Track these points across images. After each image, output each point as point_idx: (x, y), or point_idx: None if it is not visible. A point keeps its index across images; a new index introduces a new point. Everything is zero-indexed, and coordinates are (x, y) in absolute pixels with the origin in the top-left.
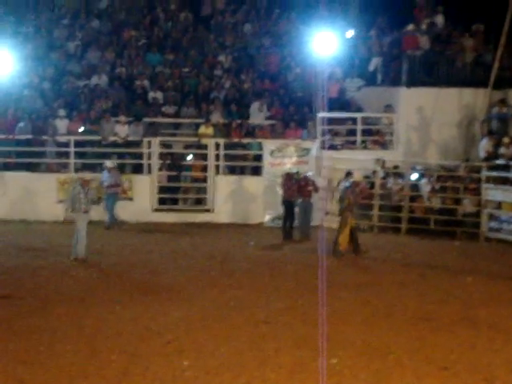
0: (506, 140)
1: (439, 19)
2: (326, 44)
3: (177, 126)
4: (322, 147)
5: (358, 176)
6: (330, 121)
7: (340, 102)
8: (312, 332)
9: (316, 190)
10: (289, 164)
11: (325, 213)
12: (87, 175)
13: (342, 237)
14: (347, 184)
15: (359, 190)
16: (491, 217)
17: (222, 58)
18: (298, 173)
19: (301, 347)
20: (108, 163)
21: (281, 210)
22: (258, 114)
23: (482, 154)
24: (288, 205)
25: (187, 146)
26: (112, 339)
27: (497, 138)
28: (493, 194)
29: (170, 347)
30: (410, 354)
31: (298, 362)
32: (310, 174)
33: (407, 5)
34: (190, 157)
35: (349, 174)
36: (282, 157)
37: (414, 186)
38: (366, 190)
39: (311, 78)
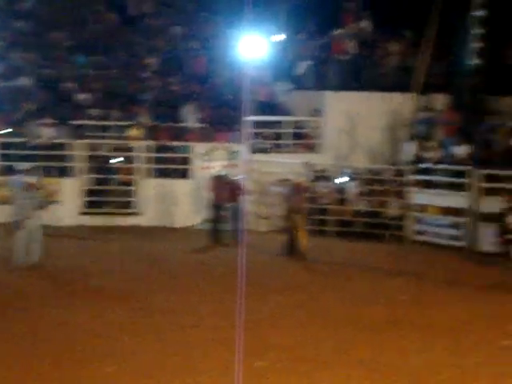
0: (430, 144)
1: (366, 24)
2: (254, 47)
3: (104, 128)
4: (251, 150)
5: (299, 179)
6: (259, 124)
7: (269, 106)
8: (240, 335)
9: (245, 193)
10: (218, 167)
11: (253, 216)
12: (32, 178)
13: (301, 239)
14: (288, 188)
15: (303, 192)
16: (416, 220)
17: (150, 60)
18: (226, 176)
19: (229, 351)
20: (23, 166)
21: (210, 213)
22: (189, 117)
23: (408, 157)
24: (217, 208)
25: (115, 149)
26: (40, 344)
27: (422, 142)
28: (418, 197)
29: (97, 351)
30: (339, 356)
31: (226, 366)
32: (239, 177)
33: (335, 9)
34: (117, 159)
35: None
36: (211, 160)
37: (342, 190)
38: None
39: (240, 81)
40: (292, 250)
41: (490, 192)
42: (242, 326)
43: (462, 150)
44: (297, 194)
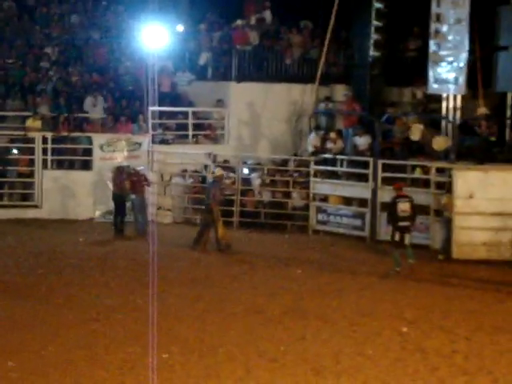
0: (332, 135)
1: (267, 15)
2: (155, 38)
3: (1, 118)
4: (154, 141)
5: (219, 171)
6: (161, 115)
7: (171, 96)
8: (143, 328)
9: (148, 184)
10: (120, 158)
11: (157, 208)
12: None
13: (221, 231)
14: (210, 180)
15: (224, 184)
16: (319, 210)
17: (48, 49)
18: (128, 167)
19: (132, 344)
20: None
21: (111, 205)
22: (90, 108)
23: (310, 148)
24: (119, 200)
25: (12, 140)
26: None
27: (324, 133)
28: (320, 187)
29: None
30: (241, 348)
31: (129, 359)
32: (141, 168)
33: (236, 0)
34: (15, 151)
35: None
36: (113, 151)
37: (245, 180)
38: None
39: (141, 71)
40: (200, 241)
41: (390, 182)
42: (146, 319)
43: (362, 141)
44: (216, 186)
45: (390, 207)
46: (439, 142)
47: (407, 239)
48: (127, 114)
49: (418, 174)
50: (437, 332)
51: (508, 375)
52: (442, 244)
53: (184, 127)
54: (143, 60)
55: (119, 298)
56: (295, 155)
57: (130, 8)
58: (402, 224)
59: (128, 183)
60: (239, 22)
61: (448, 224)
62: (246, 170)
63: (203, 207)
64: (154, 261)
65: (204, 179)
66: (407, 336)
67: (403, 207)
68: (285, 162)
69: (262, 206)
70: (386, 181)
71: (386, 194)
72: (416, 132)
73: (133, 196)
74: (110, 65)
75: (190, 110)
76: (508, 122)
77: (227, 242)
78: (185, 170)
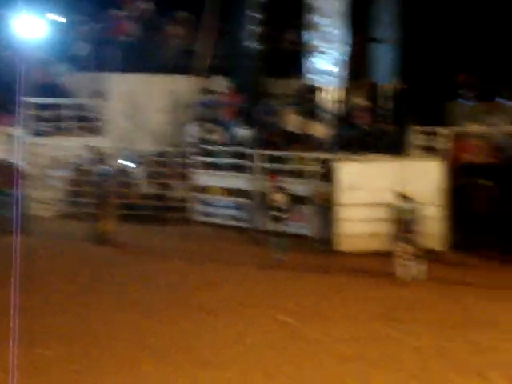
0: (214, 126)
1: (148, 5)
2: (32, 28)
3: None
4: (31, 134)
5: (120, 164)
6: (39, 107)
7: (48, 87)
8: (19, 326)
9: (25, 178)
10: None
11: (36, 202)
12: None
13: (111, 225)
14: (106, 172)
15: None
16: (200, 201)
17: None
18: (4, 160)
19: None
20: None
21: None
22: None
23: (192, 139)
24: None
25: None
26: None
27: (205, 125)
28: (202, 179)
29: None
30: (125, 342)
31: (6, 358)
32: (18, 161)
33: None
34: None
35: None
36: None
37: (126, 173)
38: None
39: (17, 62)
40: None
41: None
42: (20, 316)
43: (244, 132)
44: (111, 179)
45: (265, 197)
46: (318, 129)
47: (281, 228)
48: (3, 106)
49: (295, 164)
50: (317, 320)
51: (384, 360)
52: (321, 235)
53: (63, 119)
54: (19, 51)
55: None
56: (176, 147)
57: None
58: (276, 214)
59: (3, 176)
60: (119, 12)
61: (327, 214)
62: (126, 162)
63: (97, 200)
64: (32, 256)
65: (86, 172)
66: (288, 324)
67: (277, 197)
68: (166, 154)
69: (144, 198)
70: (267, 172)
71: (267, 185)
72: (318, 131)
73: (8, 189)
74: None
75: (67, 101)
76: (382, 113)
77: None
78: (63, 163)
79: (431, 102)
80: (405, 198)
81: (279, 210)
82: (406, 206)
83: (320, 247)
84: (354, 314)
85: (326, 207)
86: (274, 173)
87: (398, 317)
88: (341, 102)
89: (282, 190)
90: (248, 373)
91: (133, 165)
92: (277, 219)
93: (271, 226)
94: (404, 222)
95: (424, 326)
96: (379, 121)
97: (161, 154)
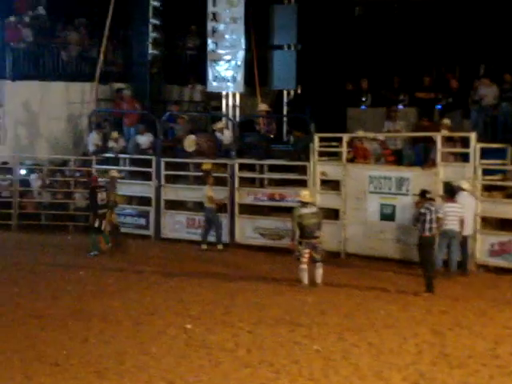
0: (114, 134)
1: (42, 11)
2: None
3: None
4: None
5: (113, 172)
6: None
7: None
8: None
9: None
10: None
11: None
12: None
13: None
14: (104, 181)
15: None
16: None
17: None
18: None
19: None
20: None
21: None
22: None
23: (91, 147)
24: None
25: None
26: None
27: (105, 132)
28: None
29: None
30: (21, 354)
31: None
32: None
33: None
34: None
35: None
36: None
37: (24, 182)
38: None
39: None
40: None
41: (174, 180)
42: None
43: (144, 139)
44: (112, 187)
45: (91, 196)
46: (188, 142)
47: (105, 225)
48: None
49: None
50: (220, 327)
51: (288, 366)
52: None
53: None
54: None
55: None
56: (76, 155)
57: None
58: (100, 211)
59: None
60: (12, 18)
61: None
62: (23, 171)
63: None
64: None
65: None
66: (191, 332)
67: (101, 196)
68: (65, 162)
69: (43, 207)
70: (169, 179)
71: (169, 192)
72: (190, 144)
73: None
74: None
75: None
76: (284, 119)
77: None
78: None
79: (332, 108)
80: (306, 202)
81: (102, 207)
82: (307, 210)
83: (219, 247)
84: (258, 320)
85: (209, 207)
86: (95, 175)
87: (302, 322)
88: (242, 108)
89: (105, 189)
90: (150, 382)
91: (31, 173)
92: (101, 216)
93: (96, 222)
94: (305, 227)
95: (327, 330)
96: (281, 127)
97: (60, 163)
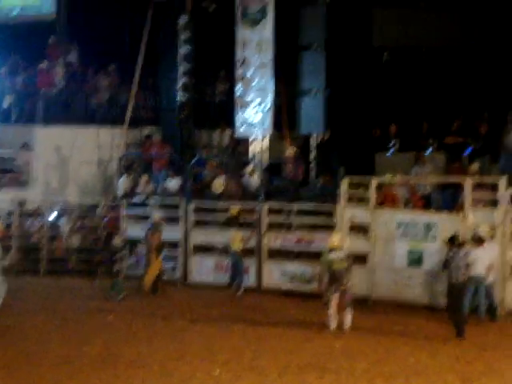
0: (143, 179)
1: (73, 57)
2: None
3: None
4: None
5: (157, 217)
6: None
7: None
8: None
9: None
10: None
11: None
12: None
13: (148, 277)
14: (149, 225)
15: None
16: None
17: None
18: None
19: None
20: None
21: None
22: None
23: (120, 191)
24: None
25: None
26: None
27: (134, 176)
28: (132, 230)
29: None
30: None
31: None
32: None
33: (40, 42)
34: None
35: None
36: None
37: (54, 226)
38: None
39: None
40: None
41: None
42: None
43: (173, 183)
44: (157, 232)
45: (105, 241)
46: (216, 185)
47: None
48: None
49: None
50: (248, 373)
51: None
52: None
53: None
54: None
55: None
56: (106, 199)
57: None
58: (118, 255)
59: None
60: (44, 64)
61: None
62: (54, 215)
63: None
64: None
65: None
66: (219, 378)
67: (116, 241)
68: (95, 206)
69: (72, 251)
70: (197, 223)
71: (198, 236)
72: (218, 186)
73: None
74: None
75: None
76: (312, 163)
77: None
78: None
79: (360, 153)
80: (335, 248)
81: (116, 252)
82: (336, 255)
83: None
84: (285, 366)
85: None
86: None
87: (330, 367)
88: (271, 152)
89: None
90: None
91: (61, 217)
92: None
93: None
94: (334, 272)
95: (356, 377)
96: (309, 171)
97: (90, 207)
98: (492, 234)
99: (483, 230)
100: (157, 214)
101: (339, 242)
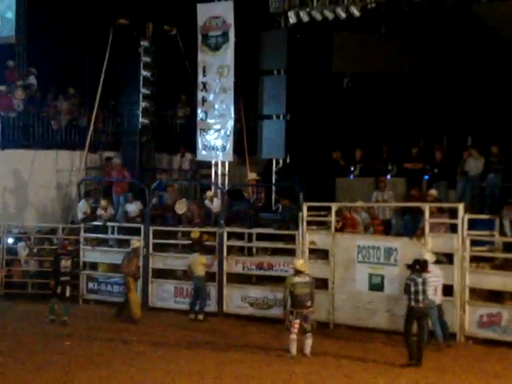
0: (103, 202)
1: (33, 80)
2: None
3: None
4: None
5: (137, 243)
6: None
7: None
8: None
9: None
10: None
11: None
12: None
13: (133, 305)
14: (129, 249)
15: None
16: (89, 278)
17: None
18: None
19: None
20: None
21: None
22: None
23: (80, 215)
24: None
25: None
26: None
27: (94, 200)
28: (90, 255)
29: None
30: None
31: None
32: None
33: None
34: None
35: None
36: None
37: (11, 250)
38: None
39: None
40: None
41: (162, 248)
42: None
43: (133, 207)
44: (135, 258)
45: (54, 263)
46: (178, 206)
47: (67, 292)
48: None
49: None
50: None
51: None
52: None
53: None
54: None
55: None
56: (65, 223)
57: None
58: (63, 278)
59: None
60: (3, 87)
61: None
62: (11, 240)
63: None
64: None
65: None
66: None
67: (65, 264)
68: (53, 231)
69: (29, 276)
70: (157, 247)
71: (158, 261)
72: (181, 206)
73: None
74: None
75: None
76: (273, 187)
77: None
78: None
79: (320, 178)
80: (299, 271)
81: (65, 274)
82: (300, 279)
83: (199, 317)
84: None
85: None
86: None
87: None
88: (232, 176)
89: (70, 256)
90: None
91: (18, 242)
92: (63, 283)
93: (58, 288)
94: (297, 296)
95: None
96: (270, 196)
97: (48, 231)
98: (436, 258)
99: (428, 255)
100: (136, 239)
101: (304, 266)
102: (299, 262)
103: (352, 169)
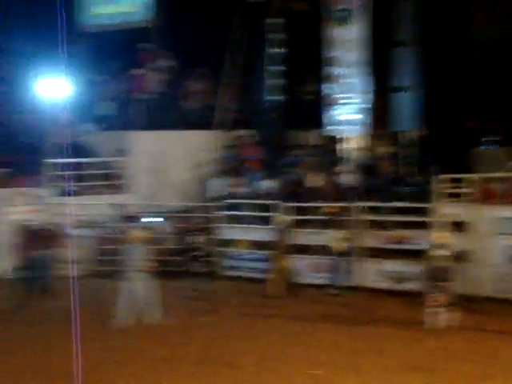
0: (237, 180)
1: (169, 62)
2: (54, 88)
3: None
4: (56, 194)
5: (284, 219)
6: (63, 167)
7: (72, 148)
8: None
9: (52, 238)
10: (19, 213)
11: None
12: None
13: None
14: (275, 226)
15: None
16: (227, 255)
17: None
18: (32, 223)
19: None
20: None
21: (16, 261)
22: None
23: (215, 194)
24: (24, 257)
25: None
26: None
27: (229, 178)
28: (227, 232)
29: None
30: None
31: None
32: (44, 223)
33: (135, 49)
34: None
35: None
36: (10, 206)
37: (153, 229)
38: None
39: (39, 122)
40: None
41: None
42: None
43: (267, 185)
44: (282, 234)
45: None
46: (316, 180)
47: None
48: (26, 167)
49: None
50: (346, 372)
51: None
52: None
53: (87, 178)
54: (42, 112)
55: None
56: (201, 202)
57: (26, 58)
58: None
59: (32, 240)
60: (138, 70)
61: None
62: (152, 219)
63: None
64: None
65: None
66: (319, 377)
67: (195, 239)
68: (190, 209)
69: (171, 253)
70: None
71: (299, 236)
72: (317, 180)
73: (37, 252)
74: (6, 117)
75: (91, 160)
76: (407, 160)
77: None
78: (89, 222)
79: (455, 149)
80: (440, 244)
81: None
82: (441, 252)
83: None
84: (387, 366)
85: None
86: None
87: (432, 367)
88: (364, 150)
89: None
90: None
91: (159, 221)
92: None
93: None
94: (437, 269)
95: (458, 378)
96: (404, 169)
97: (186, 210)
98: None
99: None
100: (281, 216)
101: (445, 239)
102: (440, 236)
103: (488, 139)
